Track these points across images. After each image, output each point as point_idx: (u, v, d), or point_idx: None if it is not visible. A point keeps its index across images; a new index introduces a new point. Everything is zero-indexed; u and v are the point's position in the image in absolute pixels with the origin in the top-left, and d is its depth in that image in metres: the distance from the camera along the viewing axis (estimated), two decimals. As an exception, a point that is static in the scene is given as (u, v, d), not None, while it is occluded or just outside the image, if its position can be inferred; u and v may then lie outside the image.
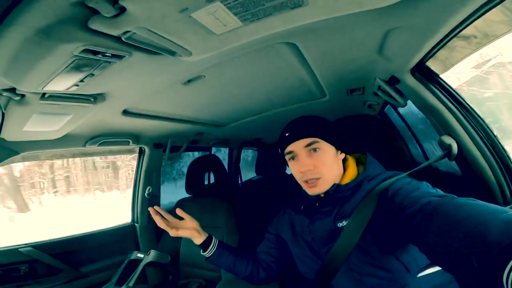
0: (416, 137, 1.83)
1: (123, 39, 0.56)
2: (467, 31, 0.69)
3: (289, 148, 0.85)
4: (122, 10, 0.47)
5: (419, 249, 0.58)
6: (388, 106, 1.77)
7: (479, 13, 0.63)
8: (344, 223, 0.77)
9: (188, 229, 0.96)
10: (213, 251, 0.98)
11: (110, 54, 0.61)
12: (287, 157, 0.87)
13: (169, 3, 0.47)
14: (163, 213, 0.94)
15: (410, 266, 0.73)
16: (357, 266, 0.76)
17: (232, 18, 0.55)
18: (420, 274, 0.75)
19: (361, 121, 2.12)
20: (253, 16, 0.55)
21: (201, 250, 0.99)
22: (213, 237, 1.01)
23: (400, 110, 1.73)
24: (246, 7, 0.52)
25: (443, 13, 0.64)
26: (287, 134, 0.86)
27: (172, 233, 0.93)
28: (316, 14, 0.58)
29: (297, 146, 0.83)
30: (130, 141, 1.56)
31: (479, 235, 0.43)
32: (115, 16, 0.48)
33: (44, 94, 0.77)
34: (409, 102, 1.24)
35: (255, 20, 0.57)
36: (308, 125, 0.85)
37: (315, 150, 0.82)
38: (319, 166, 0.81)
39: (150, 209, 0.93)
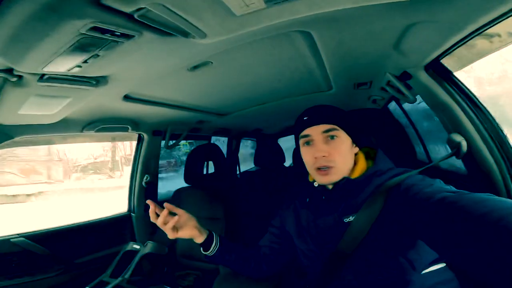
0: (419, 134, 1.82)
1: (135, 16, 0.51)
2: (491, 29, 0.66)
3: (306, 131, 0.81)
4: (139, -17, 0.42)
5: (431, 245, 0.56)
6: (392, 102, 1.75)
7: None
8: (351, 218, 0.76)
9: (189, 228, 0.87)
10: (215, 250, 0.92)
11: (119, 33, 0.56)
12: (301, 141, 0.84)
13: None
14: (157, 210, 0.83)
15: (416, 263, 0.71)
16: (363, 262, 0.74)
17: (256, -1, 0.51)
18: (424, 271, 0.75)
19: (368, 115, 2.10)
20: (278, -3, 0.51)
21: (202, 249, 0.92)
22: (214, 235, 0.94)
23: (404, 106, 1.71)
24: (273, -12, 0.48)
25: (476, 10, 0.60)
26: (305, 118, 0.83)
27: (172, 235, 0.83)
28: (343, 1, 0.55)
29: (315, 131, 0.80)
30: (129, 127, 1.51)
31: (504, 229, 0.42)
32: (131, -11, 0.43)
33: (43, 75, 0.72)
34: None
35: (280, 3, 0.53)
36: (329, 112, 0.82)
37: (332, 137, 0.79)
38: (334, 154, 0.78)
39: (148, 201, 0.85)
